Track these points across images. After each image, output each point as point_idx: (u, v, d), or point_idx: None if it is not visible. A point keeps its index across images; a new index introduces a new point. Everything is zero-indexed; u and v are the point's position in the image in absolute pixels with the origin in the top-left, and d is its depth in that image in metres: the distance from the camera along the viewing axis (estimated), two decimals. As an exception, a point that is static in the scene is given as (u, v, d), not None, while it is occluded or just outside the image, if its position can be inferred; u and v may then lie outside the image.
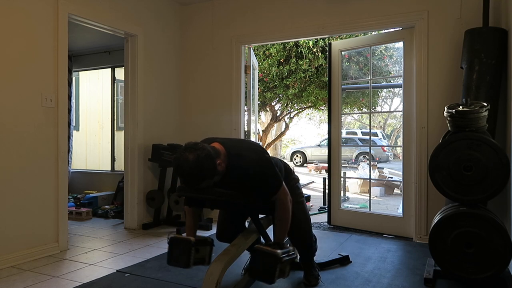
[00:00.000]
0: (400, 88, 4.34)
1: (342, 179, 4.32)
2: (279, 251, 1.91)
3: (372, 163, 10.58)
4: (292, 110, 10.06)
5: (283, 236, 2.10)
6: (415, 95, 3.54)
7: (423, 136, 3.49)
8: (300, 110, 10.47)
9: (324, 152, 13.76)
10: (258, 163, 2.04)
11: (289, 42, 7.35)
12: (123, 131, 4.26)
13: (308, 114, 16.79)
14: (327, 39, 6.77)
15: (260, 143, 9.45)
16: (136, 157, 4.04)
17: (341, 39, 5.75)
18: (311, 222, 2.59)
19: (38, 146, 3.08)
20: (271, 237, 2.36)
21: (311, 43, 7.36)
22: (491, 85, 2.92)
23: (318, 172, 12.03)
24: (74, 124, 5.80)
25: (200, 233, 3.85)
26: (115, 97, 5.67)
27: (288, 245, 2.05)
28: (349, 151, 13.91)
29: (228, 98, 4.35)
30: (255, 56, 5.71)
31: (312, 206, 5.45)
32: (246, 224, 2.52)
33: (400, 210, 4.13)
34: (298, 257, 2.81)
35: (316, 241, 2.59)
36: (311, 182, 8.78)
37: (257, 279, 1.99)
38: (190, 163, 1.84)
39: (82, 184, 5.64)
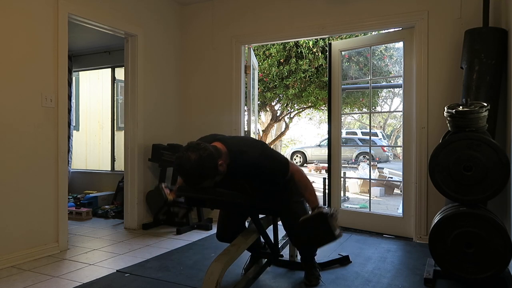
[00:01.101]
0: (400, 88, 4.34)
1: (342, 179, 4.32)
2: (323, 210, 1.99)
3: (372, 163, 10.59)
4: (292, 110, 10.07)
5: (315, 199, 2.13)
6: (415, 95, 3.54)
7: (423, 136, 3.49)
8: (300, 110, 10.48)
9: (324, 152, 13.75)
10: (261, 156, 2.06)
11: (289, 42, 7.35)
12: (123, 131, 4.26)
13: (308, 114, 16.79)
14: (327, 39, 6.77)
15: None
16: (136, 157, 4.04)
17: (341, 39, 5.75)
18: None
19: (38, 146, 3.08)
20: (271, 237, 2.36)
21: (311, 43, 7.36)
22: (491, 85, 2.91)
23: (318, 172, 12.04)
24: (74, 124, 5.80)
25: (200, 233, 3.86)
26: (115, 97, 5.67)
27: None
28: (349, 151, 13.91)
29: (228, 98, 4.35)
30: (255, 56, 5.71)
31: (312, 206, 5.44)
32: (246, 224, 2.52)
33: (400, 210, 4.13)
34: (299, 256, 2.82)
35: None
36: (311, 182, 8.76)
37: (318, 244, 2.07)
38: (191, 162, 1.85)
39: (82, 184, 5.64)
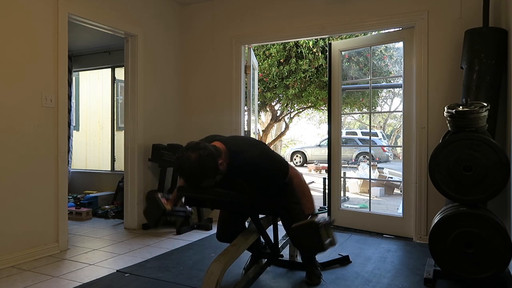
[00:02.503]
0: (400, 88, 4.34)
1: (342, 179, 4.31)
2: (315, 219, 1.97)
3: (372, 163, 10.59)
4: (292, 110, 10.07)
5: (311, 206, 2.11)
6: (415, 95, 3.54)
7: (423, 136, 3.49)
8: (300, 110, 10.47)
9: (324, 152, 13.75)
10: (261, 156, 2.06)
11: (289, 42, 7.35)
12: (123, 131, 4.26)
13: (308, 114, 16.80)
14: (327, 39, 6.77)
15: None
16: (136, 157, 4.04)
17: (341, 39, 5.75)
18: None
19: (38, 146, 3.08)
20: (271, 237, 2.36)
21: (311, 43, 7.36)
22: (491, 85, 2.92)
23: (318, 172, 12.04)
24: (74, 124, 5.80)
25: (200, 233, 3.86)
26: (115, 97, 5.67)
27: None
28: (349, 151, 13.91)
29: (228, 98, 4.35)
30: (255, 56, 5.71)
31: (312, 206, 5.44)
32: (247, 224, 2.52)
33: (400, 210, 4.13)
34: (299, 256, 2.82)
35: None
36: (311, 182, 8.77)
37: (308, 253, 2.04)
38: (192, 162, 1.85)
39: (82, 184, 5.64)
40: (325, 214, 2.10)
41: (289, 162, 2.48)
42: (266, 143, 10.18)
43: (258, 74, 7.26)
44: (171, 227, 4.07)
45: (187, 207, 2.23)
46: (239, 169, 2.03)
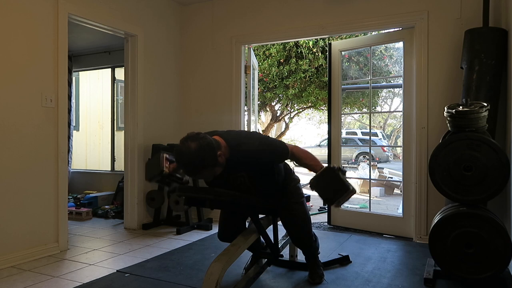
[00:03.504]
0: (400, 88, 4.34)
1: (342, 179, 4.30)
2: (331, 166, 2.05)
3: (372, 163, 10.59)
4: (292, 110, 10.07)
5: (319, 163, 2.16)
6: (415, 95, 3.54)
7: (423, 136, 3.49)
8: (300, 110, 10.48)
9: (324, 152, 13.73)
10: (260, 145, 2.09)
11: (289, 42, 7.35)
12: (123, 131, 4.26)
13: (308, 114, 16.79)
14: (327, 39, 6.77)
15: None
16: (136, 157, 4.04)
17: (341, 39, 5.75)
18: (311, 222, 2.60)
19: (38, 146, 3.08)
20: (271, 237, 2.36)
21: (311, 43, 7.36)
22: (491, 85, 2.91)
23: (318, 172, 12.01)
24: (74, 124, 5.80)
25: (200, 233, 3.86)
26: (115, 97, 5.67)
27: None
28: (349, 151, 13.91)
29: (228, 98, 4.35)
30: (255, 56, 5.71)
31: (312, 206, 5.45)
32: (247, 224, 2.52)
33: (400, 210, 4.13)
34: (299, 256, 2.82)
35: (316, 240, 2.60)
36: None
37: (333, 200, 2.03)
38: (191, 151, 1.87)
39: (82, 184, 5.64)
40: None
41: (288, 163, 2.49)
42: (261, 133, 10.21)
43: (258, 74, 7.26)
44: (171, 226, 4.08)
45: (186, 176, 2.22)
46: (241, 160, 2.05)
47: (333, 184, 2.00)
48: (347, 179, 2.04)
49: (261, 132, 10.27)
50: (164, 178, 2.10)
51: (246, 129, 4.37)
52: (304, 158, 2.17)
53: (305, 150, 2.22)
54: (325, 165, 2.17)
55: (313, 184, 2.03)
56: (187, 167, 1.93)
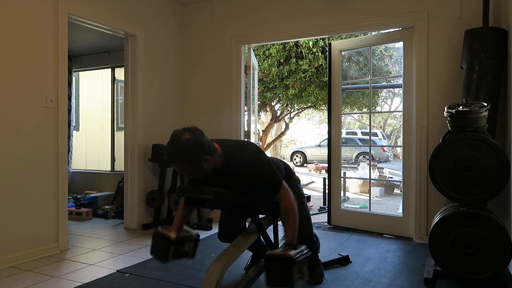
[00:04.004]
0: (400, 88, 4.34)
1: (342, 179, 4.32)
2: (292, 252, 1.87)
3: (372, 163, 10.59)
4: (292, 110, 10.06)
5: (294, 236, 2.04)
6: (415, 95, 3.54)
7: (423, 136, 3.49)
8: (300, 110, 10.47)
9: (324, 152, 13.74)
10: (252, 162, 2.04)
11: (289, 42, 7.34)
12: (123, 131, 4.26)
13: (308, 114, 16.80)
14: (327, 39, 6.77)
15: (260, 143, 9.45)
16: (136, 157, 4.04)
17: (341, 39, 5.75)
18: (311, 222, 2.60)
19: (38, 146, 3.08)
20: (271, 237, 2.36)
21: (311, 43, 7.36)
22: (491, 85, 2.91)
23: (318, 172, 12.03)
24: (74, 124, 5.80)
25: (201, 233, 3.85)
26: (115, 97, 5.67)
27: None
28: (349, 151, 13.90)
29: (228, 98, 4.35)
30: (255, 56, 5.71)
31: (312, 206, 5.45)
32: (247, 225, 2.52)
33: (400, 210, 4.13)
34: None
35: (317, 240, 2.61)
36: (311, 182, 8.77)
37: (274, 283, 1.88)
38: (181, 140, 1.89)
39: (82, 184, 5.64)
40: (304, 246, 2.00)
41: (289, 163, 2.47)
42: (266, 143, 10.21)
43: (258, 74, 7.26)
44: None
45: (192, 230, 2.19)
46: (231, 171, 2.03)
47: (280, 275, 1.82)
48: (305, 268, 1.90)
49: (261, 132, 10.28)
50: (176, 243, 2.05)
51: (246, 129, 4.36)
52: (285, 216, 2.02)
53: (293, 211, 2.02)
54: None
55: (265, 258, 1.90)
56: (169, 151, 1.94)
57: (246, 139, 4.31)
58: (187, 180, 2.25)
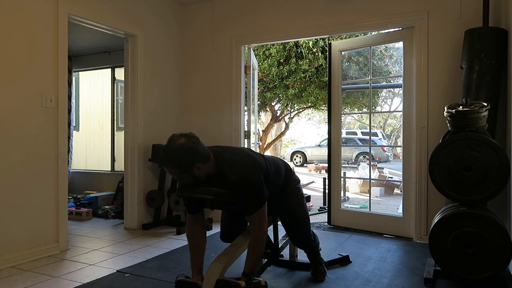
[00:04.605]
0: (400, 88, 4.34)
1: (342, 179, 4.31)
2: (243, 284, 1.88)
3: (372, 163, 10.59)
4: (292, 110, 10.06)
5: (254, 266, 2.05)
6: (415, 95, 3.54)
7: (423, 136, 3.49)
8: (300, 110, 10.47)
9: (324, 152, 13.75)
10: (242, 178, 2.01)
11: (289, 42, 7.35)
12: (123, 131, 4.26)
13: (308, 114, 16.79)
14: (327, 39, 6.77)
15: (260, 143, 9.45)
16: (136, 157, 4.04)
17: (341, 39, 5.75)
18: (310, 222, 2.60)
19: (38, 146, 3.08)
20: (271, 237, 2.37)
21: (311, 43, 7.36)
22: (491, 85, 2.91)
23: (318, 172, 12.03)
24: (74, 124, 5.80)
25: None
26: (115, 97, 5.67)
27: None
28: (349, 151, 13.90)
29: (228, 98, 4.35)
30: (255, 56, 5.71)
31: (312, 206, 5.45)
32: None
33: (400, 210, 4.13)
34: (299, 256, 2.81)
35: (315, 238, 2.61)
36: (311, 182, 8.77)
37: None
38: (175, 144, 1.91)
39: (82, 184, 5.64)
40: (261, 279, 2.00)
41: (289, 163, 2.47)
42: (266, 143, 10.20)
43: (258, 74, 7.26)
44: (171, 226, 4.08)
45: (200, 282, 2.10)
46: (224, 179, 2.02)
47: None
48: None
49: (261, 132, 10.27)
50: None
51: (246, 129, 4.35)
52: (252, 246, 2.04)
53: (261, 242, 2.05)
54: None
55: (218, 283, 1.89)
56: (162, 154, 1.95)
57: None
58: (177, 186, 2.23)
